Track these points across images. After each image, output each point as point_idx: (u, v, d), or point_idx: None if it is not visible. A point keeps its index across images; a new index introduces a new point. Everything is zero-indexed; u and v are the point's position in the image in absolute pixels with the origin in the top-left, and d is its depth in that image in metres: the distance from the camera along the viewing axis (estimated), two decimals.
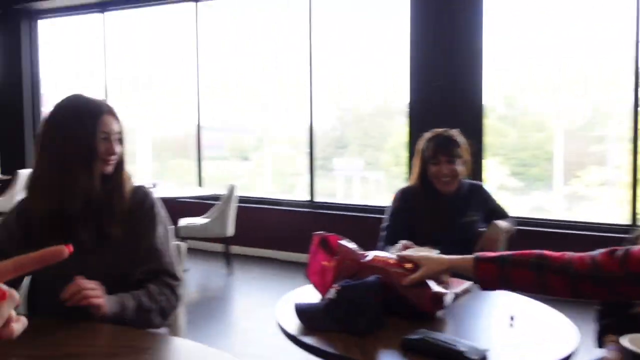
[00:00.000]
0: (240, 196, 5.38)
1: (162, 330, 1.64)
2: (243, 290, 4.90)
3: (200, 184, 6.47)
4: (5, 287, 0.49)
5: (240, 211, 5.29)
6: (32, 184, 1.56)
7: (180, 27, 6.65)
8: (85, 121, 1.53)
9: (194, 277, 5.09)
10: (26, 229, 1.56)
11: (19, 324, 0.51)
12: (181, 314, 1.79)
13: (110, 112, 1.58)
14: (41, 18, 7.57)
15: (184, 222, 5.09)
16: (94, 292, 1.33)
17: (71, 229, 1.53)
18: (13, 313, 0.50)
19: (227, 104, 6.95)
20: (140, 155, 7.64)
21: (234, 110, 6.99)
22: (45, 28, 7.69)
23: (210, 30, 6.48)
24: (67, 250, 0.50)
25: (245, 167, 7.17)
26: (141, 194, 1.65)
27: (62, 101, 1.60)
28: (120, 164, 1.61)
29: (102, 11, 7.04)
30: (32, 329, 1.32)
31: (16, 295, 0.49)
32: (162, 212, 1.67)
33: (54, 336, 1.28)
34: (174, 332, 1.79)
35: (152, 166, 7.50)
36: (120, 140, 1.60)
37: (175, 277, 1.58)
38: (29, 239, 1.55)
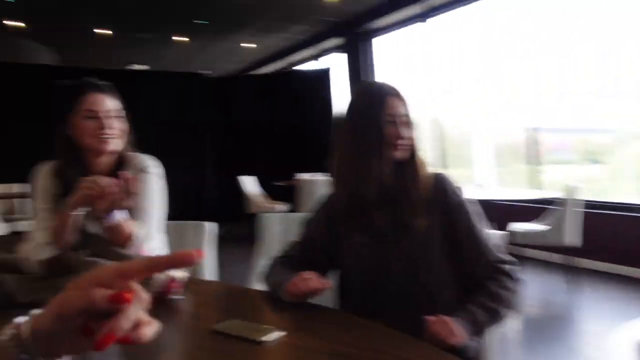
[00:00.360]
0: (588, 201, 4.64)
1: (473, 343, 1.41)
2: (590, 311, 4.17)
3: (537, 189, 5.92)
4: (134, 287, 0.42)
5: (589, 219, 4.56)
6: (334, 171, 1.60)
7: (506, 22, 6.26)
8: (371, 105, 1.51)
9: (531, 290, 4.60)
10: (330, 215, 1.60)
11: (150, 328, 0.43)
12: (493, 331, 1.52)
13: (396, 94, 1.52)
14: (374, 37, 8.50)
15: (515, 227, 4.66)
16: (451, 333, 1.26)
17: (367, 216, 1.52)
18: (144, 316, 0.42)
19: (573, 103, 6.17)
20: (480, 159, 7.55)
21: (582, 110, 6.16)
22: (378, 45, 8.56)
23: (540, 22, 5.87)
24: (198, 255, 0.47)
25: (599, 170, 6.23)
26: (441, 181, 1.53)
27: (354, 90, 1.61)
28: (413, 150, 1.52)
29: (424, 19, 7.35)
30: (324, 321, 1.29)
31: (144, 297, 0.42)
32: (466, 199, 1.54)
33: (335, 331, 1.21)
34: (483, 347, 1.52)
35: (495, 171, 7.31)
36: (409, 124, 1.51)
37: (506, 262, 1.49)
38: (331, 225, 1.59)
